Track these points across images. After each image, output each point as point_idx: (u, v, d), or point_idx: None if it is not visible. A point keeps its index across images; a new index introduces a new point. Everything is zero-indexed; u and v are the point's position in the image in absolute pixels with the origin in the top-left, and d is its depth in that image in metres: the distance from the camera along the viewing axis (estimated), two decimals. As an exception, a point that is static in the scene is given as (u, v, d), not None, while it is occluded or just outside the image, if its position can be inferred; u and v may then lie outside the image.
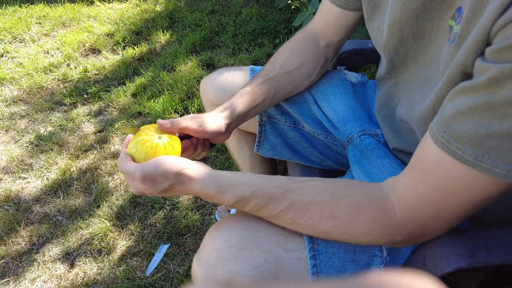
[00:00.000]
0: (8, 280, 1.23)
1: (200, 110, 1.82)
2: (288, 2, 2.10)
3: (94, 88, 2.05)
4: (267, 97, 0.77)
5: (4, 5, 3.01)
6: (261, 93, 0.75)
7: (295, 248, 0.55)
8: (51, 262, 1.27)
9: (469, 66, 0.43)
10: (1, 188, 1.53)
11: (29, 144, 1.74)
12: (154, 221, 1.36)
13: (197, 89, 1.94)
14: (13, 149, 1.73)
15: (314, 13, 1.76)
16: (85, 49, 2.42)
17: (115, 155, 1.65)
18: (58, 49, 2.42)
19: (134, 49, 2.34)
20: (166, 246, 1.27)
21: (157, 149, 0.58)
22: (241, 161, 1.08)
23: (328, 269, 0.55)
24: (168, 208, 1.39)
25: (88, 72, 2.19)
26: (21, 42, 2.55)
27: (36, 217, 1.42)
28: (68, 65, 2.28)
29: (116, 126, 1.79)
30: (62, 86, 2.12)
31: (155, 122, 0.63)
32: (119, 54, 2.34)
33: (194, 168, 0.55)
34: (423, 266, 0.53)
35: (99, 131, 1.79)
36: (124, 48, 2.38)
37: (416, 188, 0.49)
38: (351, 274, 0.56)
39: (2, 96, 2.05)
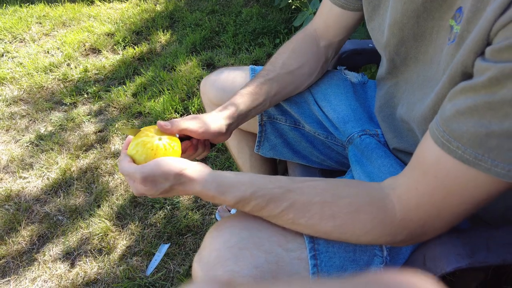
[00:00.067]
0: (8, 280, 1.23)
1: (200, 109, 1.82)
2: (289, 1, 2.10)
3: (94, 88, 2.05)
4: (268, 97, 0.77)
5: (4, 4, 3.01)
6: (262, 93, 0.75)
7: (296, 248, 0.55)
8: (51, 262, 1.27)
9: (469, 66, 0.43)
10: (2, 187, 1.53)
11: (30, 144, 1.74)
12: (154, 220, 1.36)
13: (197, 89, 1.94)
14: (13, 148, 1.73)
15: (314, 13, 1.76)
16: (85, 49, 2.42)
17: (115, 155, 1.65)
18: (58, 48, 2.43)
19: (134, 48, 2.34)
20: (167, 245, 1.27)
21: (157, 150, 0.58)
22: (242, 161, 1.08)
23: (329, 269, 0.55)
24: (168, 207, 1.39)
25: (89, 71, 2.19)
26: (22, 41, 2.56)
27: (36, 216, 1.42)
28: (68, 64, 2.28)
29: (116, 126, 1.79)
30: (62, 85, 2.12)
31: (155, 123, 0.63)
32: (119, 53, 2.34)
33: (194, 169, 0.55)
34: (423, 266, 0.53)
35: (100, 131, 1.79)
36: (124, 48, 2.38)
37: (416, 188, 0.49)
38: (351, 274, 0.56)
39: (2, 96, 2.05)
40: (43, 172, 1.59)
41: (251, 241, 0.54)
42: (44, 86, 2.11)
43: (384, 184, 0.55)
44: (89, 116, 1.88)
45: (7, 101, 2.01)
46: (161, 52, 2.33)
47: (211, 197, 0.55)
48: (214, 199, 0.55)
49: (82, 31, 2.58)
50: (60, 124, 1.84)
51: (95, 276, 1.21)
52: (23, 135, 1.80)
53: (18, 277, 1.23)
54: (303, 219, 0.53)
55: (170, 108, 1.81)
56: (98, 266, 1.24)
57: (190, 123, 0.65)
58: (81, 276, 1.21)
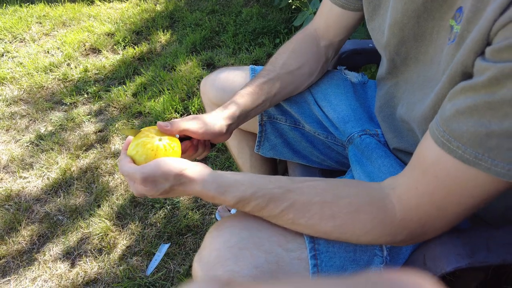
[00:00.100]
0: (9, 280, 1.23)
1: (200, 109, 1.82)
2: (289, 1, 2.10)
3: (94, 88, 2.06)
4: (268, 97, 0.77)
5: (5, 4, 3.01)
6: (262, 94, 0.75)
7: (296, 248, 0.55)
8: (51, 262, 1.27)
9: (469, 65, 0.44)
10: (2, 187, 1.54)
11: (30, 144, 1.74)
12: (154, 220, 1.36)
13: (197, 89, 1.94)
14: (13, 148, 1.73)
15: (314, 13, 1.76)
16: (85, 49, 2.42)
17: (115, 155, 1.65)
18: (58, 48, 2.43)
19: (135, 48, 2.34)
20: (167, 245, 1.27)
21: (157, 151, 0.58)
22: (242, 161, 1.08)
23: (329, 269, 0.55)
24: (168, 207, 1.39)
25: (89, 71, 2.19)
26: (22, 41, 2.56)
27: (36, 216, 1.42)
28: (68, 64, 2.28)
29: (116, 126, 1.79)
30: (62, 85, 2.12)
31: (155, 123, 0.63)
32: (119, 53, 2.34)
33: (194, 169, 0.55)
34: (423, 265, 0.53)
35: (100, 131, 1.79)
36: (124, 47, 2.38)
37: (416, 188, 0.49)
38: (351, 274, 0.56)
39: (2, 96, 2.05)
40: (43, 172, 1.59)
41: (251, 241, 0.54)
42: (44, 86, 2.11)
43: (384, 184, 0.55)
44: (89, 116, 1.88)
45: (7, 101, 2.01)
46: (161, 52, 2.33)
47: (211, 197, 0.55)
48: (214, 199, 0.55)
49: (82, 31, 2.58)
50: (60, 124, 1.84)
51: (95, 275, 1.21)
52: (23, 135, 1.80)
53: (18, 276, 1.23)
54: (303, 219, 0.53)
55: (170, 108, 1.81)
56: (98, 266, 1.24)
57: (190, 124, 0.65)
58: (81, 276, 1.22)
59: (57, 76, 2.17)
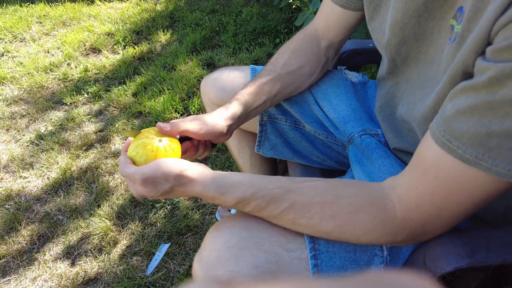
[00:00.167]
0: (9, 279, 1.23)
1: (201, 109, 1.82)
2: (289, 1, 2.10)
3: (94, 88, 2.06)
4: (268, 97, 0.77)
5: (5, 4, 3.01)
6: (262, 94, 0.75)
7: (296, 248, 0.55)
8: (51, 261, 1.27)
9: (470, 65, 0.43)
10: (2, 187, 1.54)
11: (30, 144, 1.74)
12: (154, 220, 1.36)
13: (197, 89, 1.94)
14: (13, 148, 1.73)
15: (315, 13, 1.76)
16: (85, 49, 2.42)
17: (115, 155, 1.65)
18: (58, 48, 2.43)
19: (135, 48, 2.34)
20: (167, 245, 1.27)
21: (157, 152, 0.58)
22: (242, 160, 1.08)
23: (329, 269, 0.55)
24: (168, 207, 1.39)
25: (89, 71, 2.19)
26: (22, 41, 2.56)
27: (36, 216, 1.42)
28: (68, 64, 2.28)
29: (116, 126, 1.79)
30: (62, 85, 2.12)
31: (156, 123, 0.63)
32: (119, 53, 2.34)
33: (194, 170, 0.55)
34: (423, 265, 0.53)
35: (100, 131, 1.79)
36: (124, 47, 2.38)
37: (417, 188, 0.49)
38: (351, 274, 0.56)
39: (2, 96, 2.05)
40: (44, 172, 1.59)
41: (251, 241, 0.54)
42: (44, 86, 2.11)
43: (384, 184, 0.55)
44: (89, 116, 1.88)
45: (7, 101, 2.01)
46: (161, 51, 2.33)
47: (211, 198, 0.55)
48: (214, 200, 0.55)
49: (82, 30, 2.58)
50: (60, 124, 1.84)
51: (95, 275, 1.21)
52: (24, 135, 1.80)
53: (18, 276, 1.24)
54: (303, 220, 0.53)
55: (170, 107, 1.81)
56: (98, 265, 1.24)
57: (190, 125, 0.64)
58: (81, 276, 1.22)
59: (57, 76, 2.17)
